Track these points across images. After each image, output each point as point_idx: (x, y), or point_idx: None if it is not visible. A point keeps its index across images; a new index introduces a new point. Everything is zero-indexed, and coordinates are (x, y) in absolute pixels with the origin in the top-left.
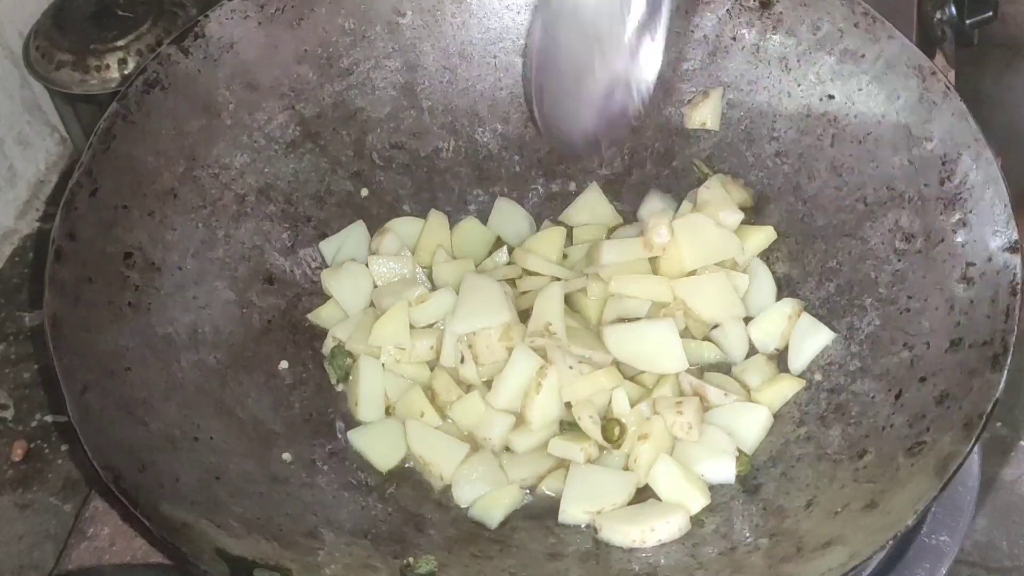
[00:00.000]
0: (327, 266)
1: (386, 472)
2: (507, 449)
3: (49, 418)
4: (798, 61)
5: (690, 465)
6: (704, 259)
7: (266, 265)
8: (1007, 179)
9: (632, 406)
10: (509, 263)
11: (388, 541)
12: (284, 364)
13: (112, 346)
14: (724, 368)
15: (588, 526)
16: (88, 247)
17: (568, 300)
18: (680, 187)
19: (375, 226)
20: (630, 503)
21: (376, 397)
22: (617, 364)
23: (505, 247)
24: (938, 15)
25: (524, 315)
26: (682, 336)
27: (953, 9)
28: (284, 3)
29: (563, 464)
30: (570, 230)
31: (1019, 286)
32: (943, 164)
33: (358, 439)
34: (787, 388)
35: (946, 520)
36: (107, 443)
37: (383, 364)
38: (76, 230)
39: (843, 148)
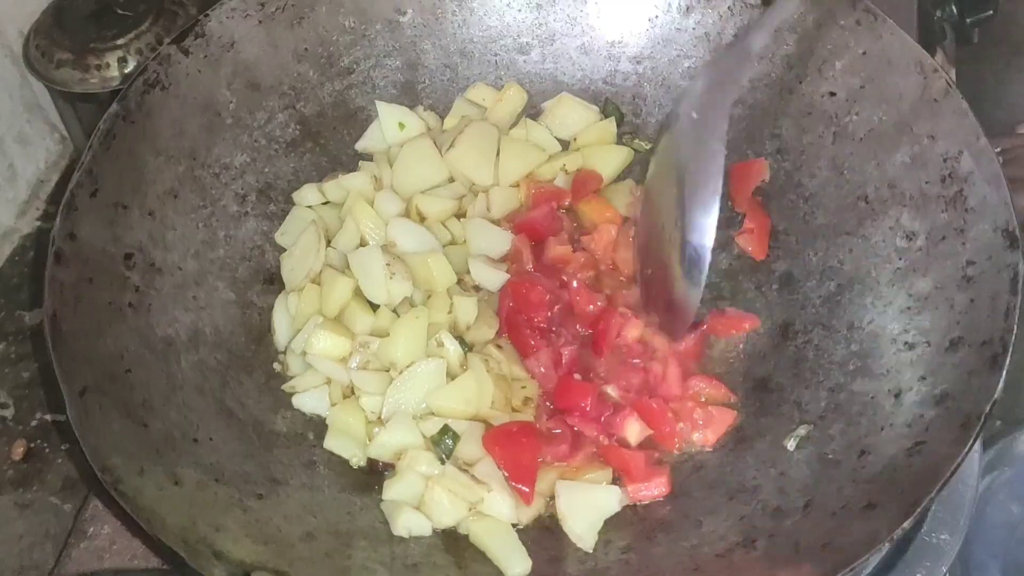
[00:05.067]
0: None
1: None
2: None
3: (49, 417)
4: (800, 58)
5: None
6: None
7: (267, 265)
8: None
9: None
10: None
11: (386, 543)
12: None
13: (112, 347)
14: None
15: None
16: (88, 248)
17: None
18: None
19: None
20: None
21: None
22: None
23: None
24: (938, 13)
25: None
26: None
27: (954, 7)
28: (284, 2)
29: None
30: None
31: (1019, 285)
32: (944, 162)
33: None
34: None
35: (946, 519)
36: (106, 445)
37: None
38: (76, 231)
39: (844, 146)
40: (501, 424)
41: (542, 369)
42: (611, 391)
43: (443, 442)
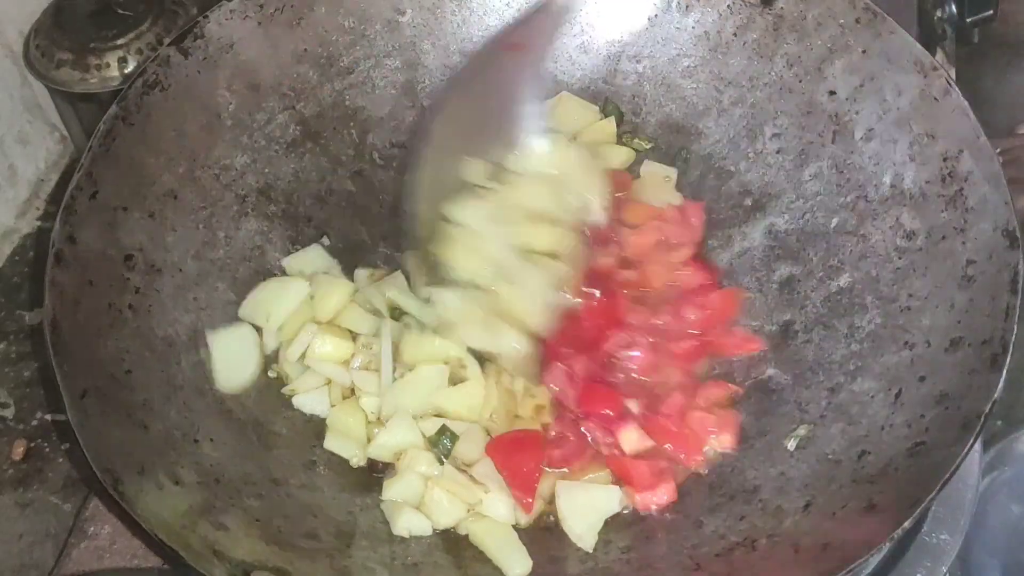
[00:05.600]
0: None
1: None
2: None
3: (49, 416)
4: (799, 57)
5: None
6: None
7: (267, 266)
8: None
9: None
10: None
11: (387, 542)
12: None
13: (112, 349)
14: None
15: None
16: (88, 250)
17: None
18: (681, 183)
19: (375, 225)
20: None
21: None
22: None
23: None
24: (939, 13)
25: None
26: None
27: (954, 7)
28: (284, 2)
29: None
30: None
31: (1019, 285)
32: (944, 161)
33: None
34: None
35: (946, 519)
36: (106, 447)
37: None
38: (76, 233)
39: (844, 145)
40: (507, 432)
41: (556, 385)
42: (632, 406)
43: (441, 442)
